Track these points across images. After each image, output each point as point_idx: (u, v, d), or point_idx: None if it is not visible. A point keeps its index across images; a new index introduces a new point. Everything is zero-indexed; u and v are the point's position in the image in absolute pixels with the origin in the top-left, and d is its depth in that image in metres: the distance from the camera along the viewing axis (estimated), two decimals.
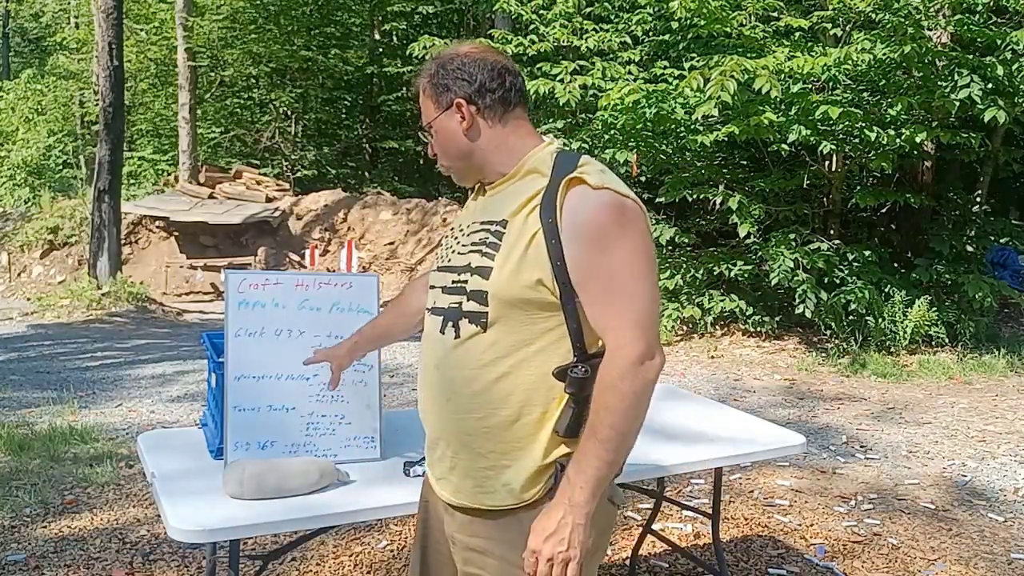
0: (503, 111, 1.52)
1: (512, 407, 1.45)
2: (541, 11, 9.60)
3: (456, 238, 1.58)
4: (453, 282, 1.51)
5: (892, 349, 7.75)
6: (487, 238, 1.48)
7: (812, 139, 7.46)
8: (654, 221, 9.15)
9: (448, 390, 1.50)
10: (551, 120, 10.01)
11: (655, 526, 3.22)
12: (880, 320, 7.80)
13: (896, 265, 9.20)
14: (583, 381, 1.42)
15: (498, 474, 1.47)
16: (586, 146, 8.76)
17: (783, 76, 7.03)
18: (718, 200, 8.51)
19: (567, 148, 1.51)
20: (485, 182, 1.57)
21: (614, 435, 1.39)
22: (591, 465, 1.39)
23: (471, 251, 1.49)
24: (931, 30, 7.56)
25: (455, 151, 1.55)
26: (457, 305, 1.48)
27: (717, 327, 8.64)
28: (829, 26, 8.12)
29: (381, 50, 19.12)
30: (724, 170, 9.32)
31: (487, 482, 1.48)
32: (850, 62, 6.94)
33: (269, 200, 15.27)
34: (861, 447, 4.90)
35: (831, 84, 7.90)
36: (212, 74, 18.42)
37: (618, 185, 1.43)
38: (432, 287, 1.59)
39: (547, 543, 1.39)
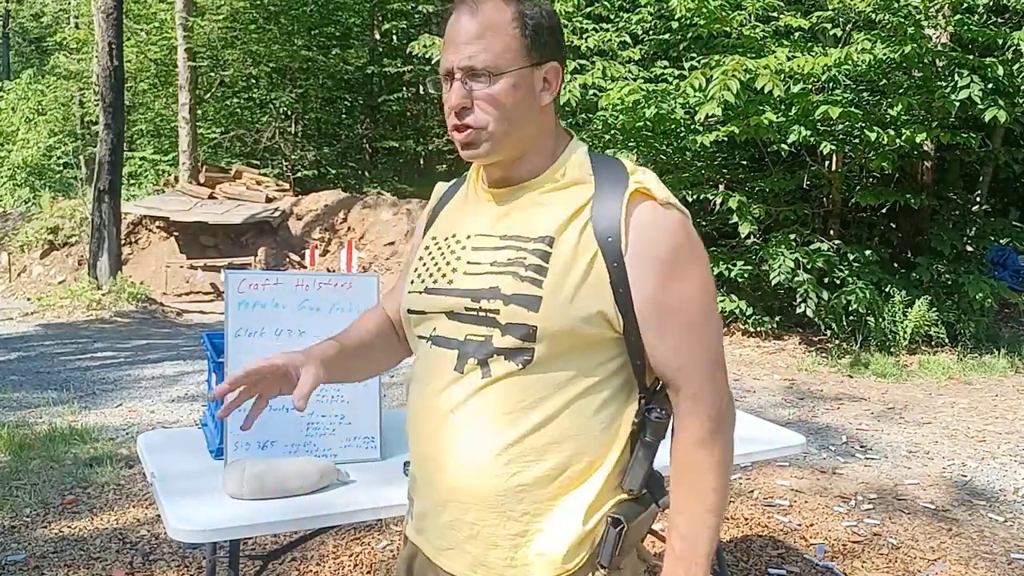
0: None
1: (555, 457, 1.19)
2: None
3: (452, 251, 1.26)
4: (468, 309, 1.20)
5: (892, 349, 7.75)
6: (524, 258, 1.18)
7: (812, 139, 7.46)
8: None
9: (471, 439, 1.20)
10: None
11: (655, 526, 3.21)
12: (880, 320, 7.81)
13: (896, 265, 9.20)
14: (661, 425, 1.22)
15: (531, 541, 1.20)
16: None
17: (784, 76, 7.04)
18: (718, 200, 8.51)
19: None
20: (506, 175, 1.25)
21: (718, 497, 1.20)
22: (704, 537, 1.20)
23: (497, 272, 1.19)
24: (931, 30, 7.57)
25: (521, 120, 1.20)
26: (483, 339, 1.19)
27: None
28: (829, 26, 8.13)
29: (381, 50, 19.13)
30: (724, 170, 9.33)
31: (518, 551, 1.20)
32: (850, 62, 6.94)
33: (269, 200, 15.27)
34: (861, 447, 4.90)
35: (831, 84, 7.90)
36: (212, 74, 18.42)
37: (675, 199, 1.23)
38: (414, 312, 1.28)
39: None
